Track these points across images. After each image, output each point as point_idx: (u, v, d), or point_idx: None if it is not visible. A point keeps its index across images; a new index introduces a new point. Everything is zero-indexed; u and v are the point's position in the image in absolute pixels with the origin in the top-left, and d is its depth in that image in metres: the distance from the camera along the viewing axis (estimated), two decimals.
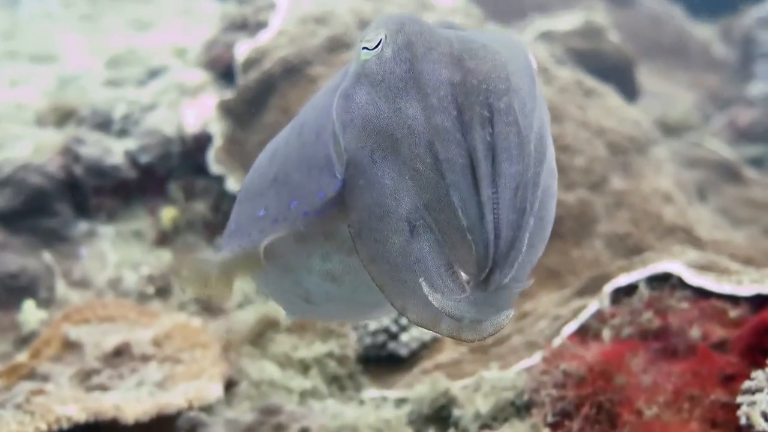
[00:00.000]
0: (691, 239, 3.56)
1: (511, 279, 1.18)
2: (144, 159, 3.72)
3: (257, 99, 3.74)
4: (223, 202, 3.76)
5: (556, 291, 3.44)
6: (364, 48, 1.24)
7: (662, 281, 2.63)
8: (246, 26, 4.11)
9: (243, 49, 3.86)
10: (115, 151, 3.69)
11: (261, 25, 4.04)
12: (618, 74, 5.68)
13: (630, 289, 2.66)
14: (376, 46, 1.24)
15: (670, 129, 6.52)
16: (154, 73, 4.18)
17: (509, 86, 1.17)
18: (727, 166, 6.42)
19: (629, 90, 5.79)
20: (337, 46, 3.85)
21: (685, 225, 3.60)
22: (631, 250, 3.56)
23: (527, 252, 1.21)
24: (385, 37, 1.23)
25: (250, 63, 3.81)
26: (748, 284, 2.49)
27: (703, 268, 2.64)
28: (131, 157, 3.72)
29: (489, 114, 1.15)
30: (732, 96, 7.64)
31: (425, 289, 1.18)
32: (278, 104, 3.69)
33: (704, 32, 9.19)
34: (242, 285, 3.47)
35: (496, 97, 1.15)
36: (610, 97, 4.27)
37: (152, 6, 6.11)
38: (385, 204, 1.20)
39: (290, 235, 1.47)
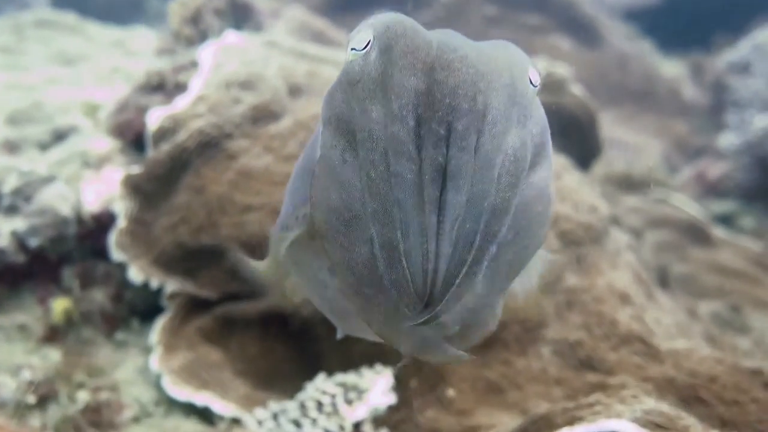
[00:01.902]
0: (649, 351, 3.18)
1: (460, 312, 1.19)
2: (34, 242, 3.25)
3: (169, 176, 3.30)
4: (126, 291, 3.32)
5: (496, 409, 3.06)
6: (352, 49, 1.22)
7: None
8: (163, 87, 3.67)
9: (156, 116, 3.41)
10: (0, 232, 3.23)
11: (180, 88, 3.60)
12: (580, 129, 5.31)
13: None
14: (364, 48, 1.20)
15: (634, 184, 6.18)
16: (59, 135, 3.72)
17: (473, 106, 1.10)
18: (694, 226, 6.09)
19: (592, 145, 5.43)
20: (262, 115, 3.43)
21: (642, 333, 3.22)
22: (581, 361, 3.18)
23: (498, 280, 1.22)
24: (373, 38, 1.19)
25: (163, 133, 3.37)
26: None
27: (658, 426, 2.27)
28: (19, 240, 3.26)
29: (445, 133, 1.10)
30: (702, 145, 7.32)
31: (386, 310, 1.19)
32: (192, 183, 3.26)
33: (675, 70, 8.89)
34: (139, 394, 3.05)
35: (457, 117, 1.09)
36: (566, 174, 3.89)
37: (82, 37, 5.64)
38: (353, 208, 1.18)
39: (293, 241, 1.47)
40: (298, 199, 1.46)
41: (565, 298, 3.33)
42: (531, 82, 1.22)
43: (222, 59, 3.67)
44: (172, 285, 3.17)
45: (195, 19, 5.42)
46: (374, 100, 1.16)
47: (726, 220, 6.42)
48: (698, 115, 7.79)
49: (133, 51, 5.58)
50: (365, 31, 1.21)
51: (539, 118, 1.26)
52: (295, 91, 3.60)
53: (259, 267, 1.78)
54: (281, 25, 5.76)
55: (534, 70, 1.24)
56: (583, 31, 7.99)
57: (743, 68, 7.30)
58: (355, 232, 1.19)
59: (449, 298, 1.14)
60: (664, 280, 4.27)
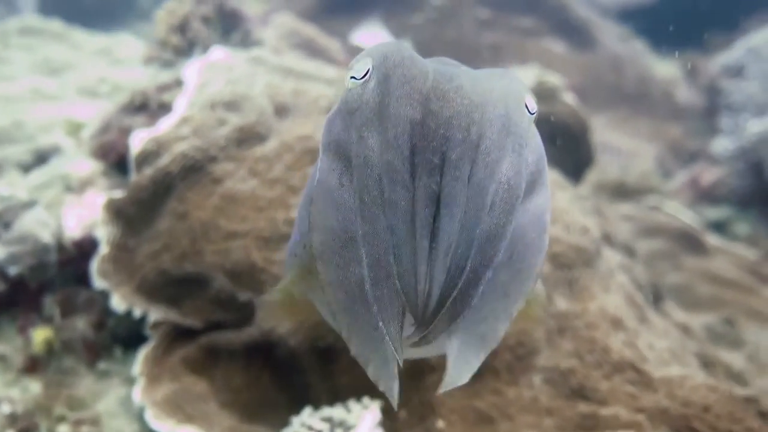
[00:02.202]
0: (642, 379, 3.12)
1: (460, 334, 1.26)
2: (14, 270, 3.18)
3: (152, 201, 3.23)
4: (109, 318, 3.25)
5: None
6: (352, 77, 1.26)
7: None
8: (147, 107, 3.58)
9: (139, 138, 3.33)
10: None
11: (164, 108, 3.52)
12: (572, 138, 5.26)
13: None
14: (363, 76, 1.24)
15: (628, 192, 6.13)
16: (41, 156, 3.64)
17: (466, 137, 1.14)
18: (688, 234, 6.05)
19: (584, 155, 5.38)
20: (247, 137, 3.35)
21: (635, 360, 3.16)
22: (573, 390, 3.12)
23: (500, 301, 1.28)
24: (372, 68, 1.23)
25: (146, 156, 3.29)
26: None
27: None
28: None
29: (440, 162, 1.14)
30: (696, 149, 7.26)
31: (370, 328, 1.24)
32: (175, 208, 3.18)
33: (669, 70, 8.82)
34: (121, 427, 2.98)
35: (451, 147, 1.14)
36: (558, 191, 3.83)
37: (68, 45, 5.55)
38: (349, 230, 1.22)
39: (299, 268, 1.52)
40: (304, 228, 1.47)
41: (557, 323, 3.27)
42: (528, 110, 1.26)
43: (207, 78, 3.59)
44: (155, 313, 3.10)
45: (182, 27, 5.34)
46: (371, 128, 1.19)
47: (720, 226, 6.37)
48: (693, 118, 7.73)
49: (120, 59, 5.49)
50: (364, 61, 1.26)
51: (535, 147, 1.31)
52: (281, 110, 3.52)
53: (272, 294, 1.80)
54: (270, 32, 5.69)
55: (531, 98, 1.28)
56: (576, 33, 7.90)
57: (737, 71, 7.24)
58: (350, 252, 1.23)
59: (440, 320, 1.18)
60: (657, 297, 4.21)
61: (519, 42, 7.17)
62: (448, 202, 1.14)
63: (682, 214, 6.13)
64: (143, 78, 4.82)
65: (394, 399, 1.32)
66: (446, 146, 1.14)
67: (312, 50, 5.63)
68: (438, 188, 1.14)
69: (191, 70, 3.65)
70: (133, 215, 3.24)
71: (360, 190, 1.19)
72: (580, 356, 3.19)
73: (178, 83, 3.62)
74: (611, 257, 3.78)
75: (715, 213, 6.48)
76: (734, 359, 4.72)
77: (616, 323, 3.32)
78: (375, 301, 1.21)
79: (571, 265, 3.42)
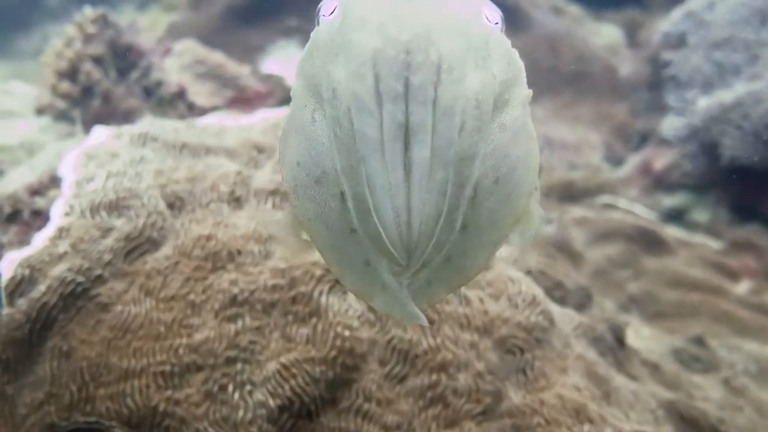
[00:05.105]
0: None
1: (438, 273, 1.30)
2: None
3: (29, 339, 2.76)
4: None
5: None
6: (322, 15, 1.27)
7: None
8: (19, 216, 3.07)
9: (8, 261, 2.84)
10: None
11: (38, 214, 3.03)
12: None
13: None
14: (331, 13, 1.25)
15: (578, 192, 5.74)
16: None
17: (426, 59, 1.13)
18: (646, 232, 5.71)
19: None
20: (137, 245, 2.89)
21: None
22: None
23: (481, 230, 1.27)
24: (338, 5, 1.24)
25: (18, 284, 2.81)
26: None
27: None
28: None
29: (403, 89, 1.13)
30: (644, 128, 6.85)
31: (360, 261, 1.30)
32: (57, 347, 2.73)
33: (611, 34, 8.40)
34: None
35: (412, 71, 1.13)
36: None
37: None
38: (322, 164, 1.24)
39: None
40: None
41: (511, 422, 2.88)
42: (488, 20, 1.24)
43: (86, 172, 3.10)
44: None
45: (72, 72, 4.80)
46: (337, 61, 1.19)
47: (678, 215, 6.03)
48: (639, 91, 7.29)
49: (9, 110, 4.93)
50: (331, 0, 1.26)
51: (501, 55, 1.26)
52: (175, 203, 3.05)
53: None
54: (172, 62, 5.15)
55: (491, 7, 1.26)
56: (507, 13, 7.40)
57: (679, 40, 6.81)
58: (325, 187, 1.24)
59: (430, 249, 1.21)
60: (619, 339, 3.84)
61: None
62: (417, 129, 1.14)
63: (637, 209, 5.77)
64: (33, 134, 4.32)
65: (420, 320, 1.33)
66: (408, 71, 1.13)
67: (220, 79, 5.12)
68: (405, 116, 1.13)
69: (68, 162, 3.15)
70: (10, 358, 2.77)
71: (332, 124, 1.19)
72: None
73: (53, 180, 3.12)
74: (566, 322, 3.38)
75: (672, 200, 6.12)
76: (710, 390, 4.39)
77: (579, 413, 2.94)
78: (368, 238, 1.23)
79: (523, 349, 3.02)
